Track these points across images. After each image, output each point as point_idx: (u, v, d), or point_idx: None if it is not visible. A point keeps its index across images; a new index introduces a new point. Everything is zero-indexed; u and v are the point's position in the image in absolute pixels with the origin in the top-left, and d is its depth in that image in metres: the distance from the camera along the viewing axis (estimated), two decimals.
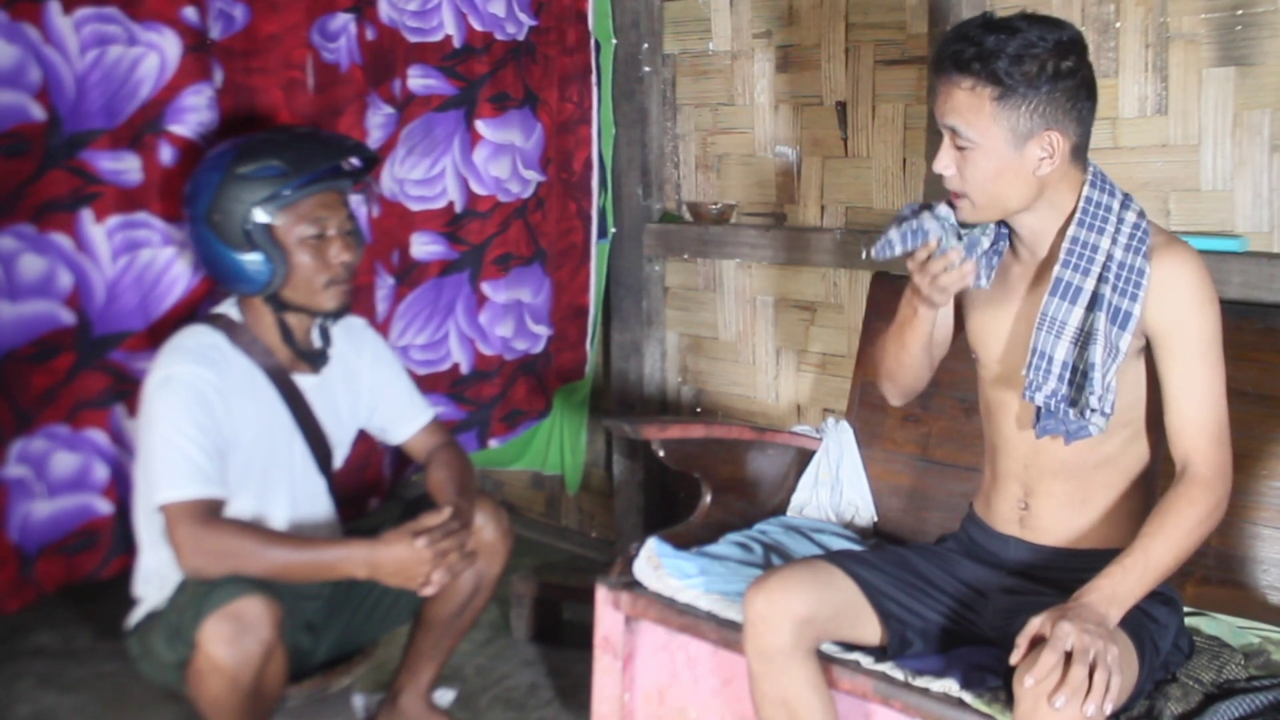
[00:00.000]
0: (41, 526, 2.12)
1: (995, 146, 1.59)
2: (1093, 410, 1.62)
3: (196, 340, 2.02)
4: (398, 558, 1.97)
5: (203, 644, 1.82)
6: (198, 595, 1.87)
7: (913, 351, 1.87)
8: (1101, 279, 1.62)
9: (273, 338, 2.09)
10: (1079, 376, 1.63)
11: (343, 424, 2.23)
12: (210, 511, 1.94)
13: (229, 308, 2.10)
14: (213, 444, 1.96)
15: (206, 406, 1.96)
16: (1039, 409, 1.69)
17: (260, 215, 1.99)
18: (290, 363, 2.11)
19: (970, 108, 1.59)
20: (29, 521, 2.10)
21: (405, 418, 2.31)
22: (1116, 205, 1.65)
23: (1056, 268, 1.65)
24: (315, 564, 1.96)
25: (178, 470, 1.93)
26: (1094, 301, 1.62)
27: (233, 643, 1.81)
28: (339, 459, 2.25)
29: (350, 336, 2.24)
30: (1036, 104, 1.57)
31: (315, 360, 2.15)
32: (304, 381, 2.14)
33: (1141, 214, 1.66)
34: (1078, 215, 1.65)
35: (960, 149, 1.62)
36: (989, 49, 1.55)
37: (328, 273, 2.05)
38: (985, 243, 1.72)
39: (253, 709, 1.89)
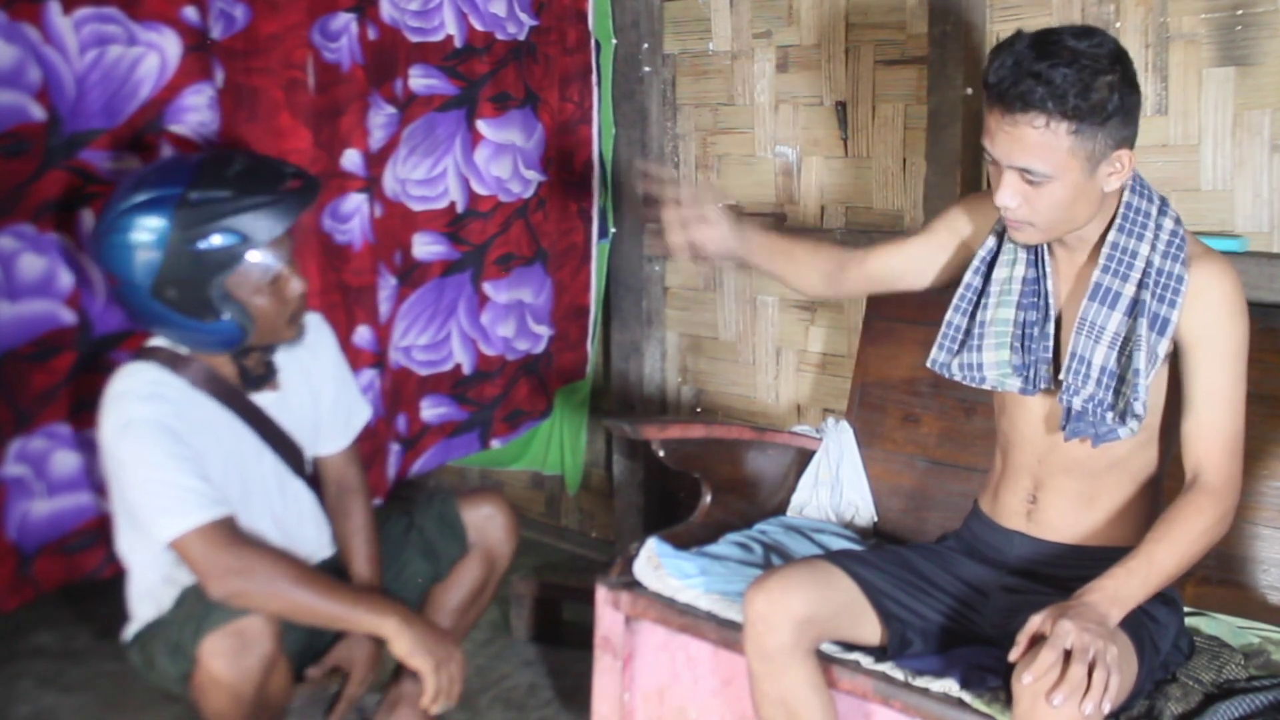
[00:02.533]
0: (40, 525, 2.11)
1: (1071, 177, 1.56)
2: (1135, 416, 1.61)
3: (141, 379, 1.91)
4: (432, 639, 1.92)
5: (203, 660, 1.79)
6: (197, 611, 1.84)
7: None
8: (1142, 285, 1.62)
9: (224, 367, 1.98)
10: (1117, 381, 1.63)
11: (307, 425, 2.15)
12: (226, 530, 1.86)
13: (164, 340, 1.96)
14: (196, 469, 1.87)
15: (176, 437, 1.87)
16: (1067, 411, 1.69)
17: (224, 285, 1.86)
18: (243, 385, 2.02)
19: (1045, 145, 1.53)
20: (27, 520, 2.10)
21: (336, 432, 2.21)
22: (1155, 211, 1.65)
23: (1096, 273, 1.65)
24: (340, 614, 1.89)
25: (174, 502, 1.84)
26: (1133, 307, 1.62)
27: (234, 659, 1.78)
28: (310, 455, 2.18)
29: (306, 335, 2.11)
30: (1110, 129, 1.54)
31: (267, 381, 2.06)
32: (260, 397, 2.05)
33: (1178, 220, 1.66)
34: (1117, 221, 1.64)
35: (1031, 184, 1.57)
36: (1058, 85, 1.49)
37: (289, 309, 1.96)
38: None
39: (258, 717, 1.89)
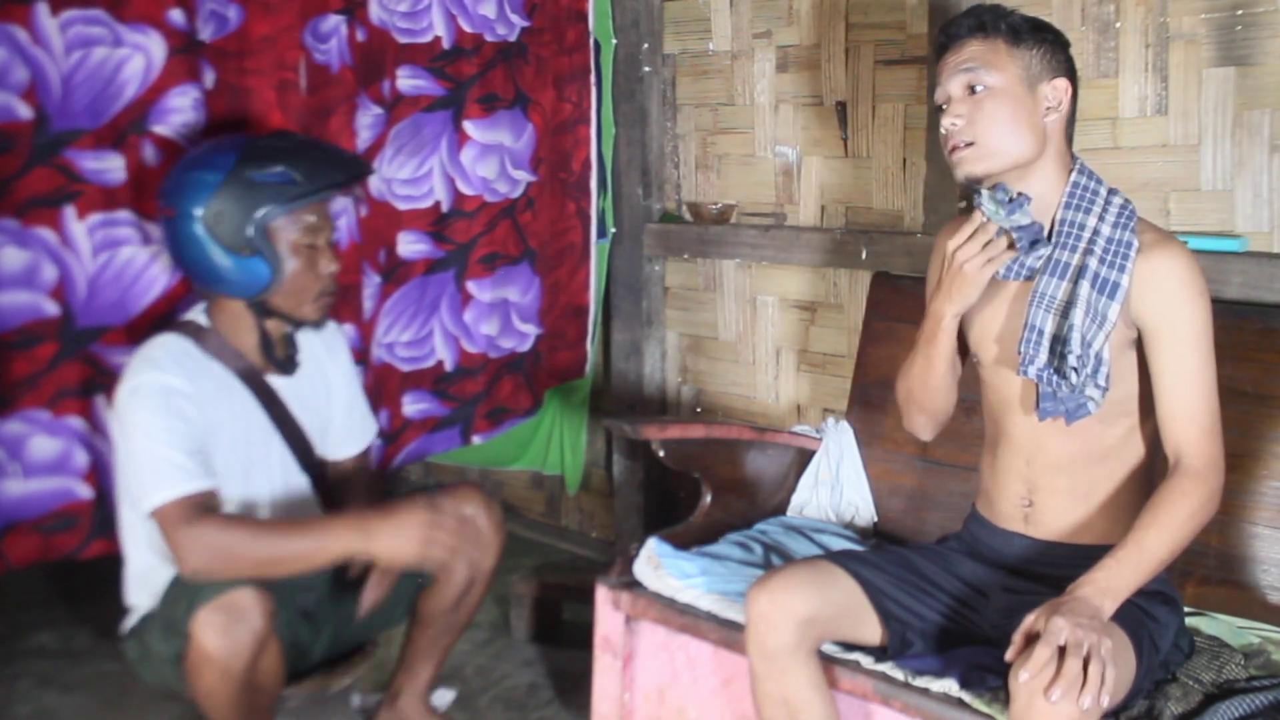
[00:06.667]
0: (12, 504, 2.13)
1: (1010, 85, 1.68)
2: (1074, 370, 1.64)
3: (164, 349, 2.00)
4: (393, 522, 1.95)
5: (195, 635, 1.83)
6: (191, 588, 1.88)
7: (939, 368, 1.83)
8: (1088, 252, 1.67)
9: (245, 342, 2.08)
10: (1062, 345, 1.66)
11: (317, 421, 2.21)
12: (201, 505, 1.92)
13: (197, 314, 2.09)
14: (190, 443, 1.95)
15: (177, 411, 1.94)
16: (1038, 392, 1.71)
17: (266, 220, 1.98)
18: (263, 365, 2.11)
19: (987, 51, 1.70)
20: None
21: (350, 439, 2.30)
22: (1104, 191, 1.72)
23: (1051, 249, 1.70)
24: (309, 548, 1.94)
25: (159, 473, 1.91)
26: (1079, 273, 1.67)
27: (224, 633, 1.82)
28: (318, 454, 2.24)
29: (324, 336, 2.23)
30: (1044, 51, 1.70)
31: (287, 366, 2.14)
32: (277, 381, 2.13)
33: (1128, 200, 1.72)
34: (1064, 199, 1.71)
35: (973, 94, 1.69)
36: (1000, 11, 1.72)
37: (319, 284, 2.06)
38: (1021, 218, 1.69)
39: (249, 701, 1.90)
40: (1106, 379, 1.66)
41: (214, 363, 2.04)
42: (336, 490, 2.27)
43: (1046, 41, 1.71)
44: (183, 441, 1.94)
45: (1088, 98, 1.79)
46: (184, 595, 1.88)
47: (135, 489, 1.94)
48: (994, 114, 1.68)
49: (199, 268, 2.02)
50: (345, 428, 2.28)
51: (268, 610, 1.86)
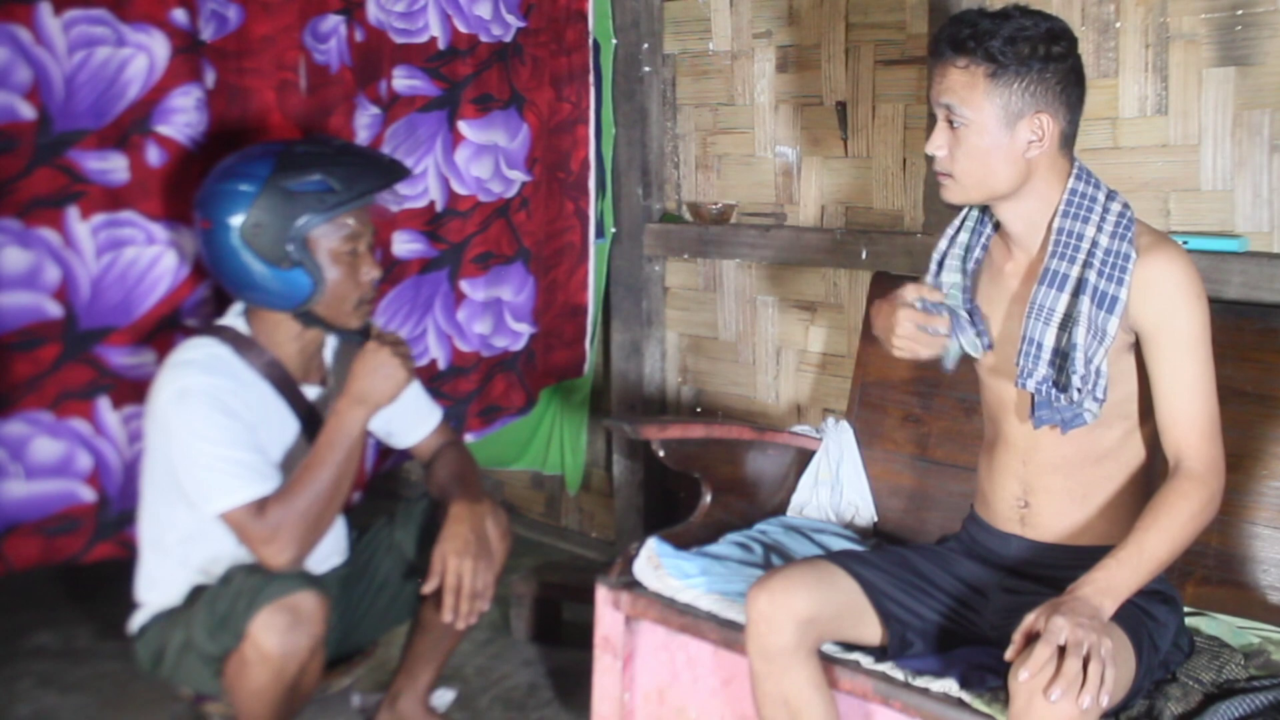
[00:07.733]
0: (14, 506, 2.13)
1: (987, 124, 1.64)
2: (1078, 390, 1.64)
3: (203, 352, 1.99)
4: (371, 370, 2.00)
5: (254, 633, 1.83)
6: (251, 586, 1.88)
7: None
8: (1087, 265, 1.65)
9: (283, 350, 2.06)
10: (1063, 360, 1.66)
11: None
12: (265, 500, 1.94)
13: (234, 319, 2.07)
14: (250, 439, 1.95)
15: (230, 410, 1.94)
16: (1033, 399, 1.71)
17: (305, 231, 1.95)
18: (298, 375, 2.10)
19: (965, 85, 1.64)
20: None
21: (413, 423, 2.30)
22: (1102, 197, 1.69)
23: (1046, 258, 1.69)
24: (341, 448, 1.97)
25: (226, 474, 1.91)
26: (1079, 287, 1.65)
27: (285, 634, 1.82)
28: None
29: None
30: (1028, 83, 1.62)
31: (323, 373, 2.15)
32: (311, 392, 2.13)
33: (1126, 206, 1.70)
34: (1062, 206, 1.69)
35: (954, 128, 1.66)
36: (984, 30, 1.61)
37: (359, 291, 2.04)
38: (955, 349, 1.80)
39: (288, 705, 1.90)
40: (1104, 391, 1.65)
41: (249, 370, 2.02)
42: (430, 469, 2.29)
43: (1033, 70, 1.60)
44: (243, 439, 1.94)
45: (1088, 97, 1.77)
46: (244, 592, 1.87)
47: (196, 492, 1.93)
48: (971, 151, 1.66)
49: (238, 280, 2.00)
50: (403, 415, 2.27)
51: (327, 615, 1.87)
